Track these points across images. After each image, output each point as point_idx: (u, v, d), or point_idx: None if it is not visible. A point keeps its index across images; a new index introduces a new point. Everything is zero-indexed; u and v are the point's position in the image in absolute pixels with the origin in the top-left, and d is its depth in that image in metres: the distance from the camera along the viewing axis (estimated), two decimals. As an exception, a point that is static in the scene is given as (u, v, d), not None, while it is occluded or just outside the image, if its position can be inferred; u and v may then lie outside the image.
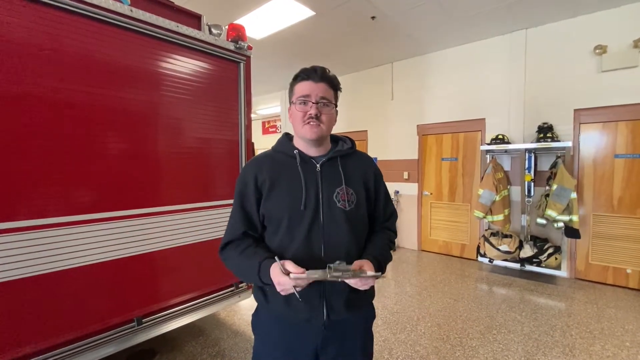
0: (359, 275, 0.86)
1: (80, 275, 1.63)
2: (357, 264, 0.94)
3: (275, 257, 0.90)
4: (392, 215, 1.17)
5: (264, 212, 1.00)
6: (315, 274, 0.83)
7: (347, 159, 1.07)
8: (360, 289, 0.92)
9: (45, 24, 1.49)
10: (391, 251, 1.12)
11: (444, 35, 4.23)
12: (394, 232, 1.17)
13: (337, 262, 0.87)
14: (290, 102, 1.04)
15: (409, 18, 3.73)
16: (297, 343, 1.00)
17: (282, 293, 0.89)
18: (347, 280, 0.89)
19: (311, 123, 0.97)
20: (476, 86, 4.44)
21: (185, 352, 2.37)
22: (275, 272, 0.88)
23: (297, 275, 0.82)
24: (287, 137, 1.12)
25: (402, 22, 3.83)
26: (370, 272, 0.89)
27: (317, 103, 0.97)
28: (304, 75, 1.00)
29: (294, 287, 0.86)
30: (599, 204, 3.67)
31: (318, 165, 1.02)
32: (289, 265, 0.88)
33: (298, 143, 1.06)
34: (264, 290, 1.02)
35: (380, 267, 1.02)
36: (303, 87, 0.99)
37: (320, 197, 0.99)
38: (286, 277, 0.85)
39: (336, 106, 1.04)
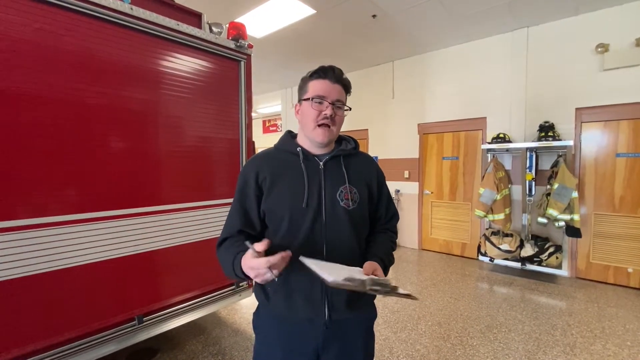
0: (396, 292, 0.76)
1: (81, 273, 1.63)
2: (368, 266, 0.91)
3: (247, 242, 0.82)
4: (394, 216, 1.16)
5: (265, 209, 0.99)
6: (352, 283, 0.73)
7: (350, 158, 1.06)
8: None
9: (45, 21, 1.49)
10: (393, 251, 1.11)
11: (445, 33, 4.21)
12: (395, 234, 1.16)
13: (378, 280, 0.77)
14: (302, 99, 1.01)
15: (409, 16, 3.71)
16: (298, 342, 0.99)
17: (258, 280, 0.80)
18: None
19: (324, 126, 0.96)
20: (477, 85, 4.43)
21: (186, 351, 2.37)
22: (246, 258, 0.81)
23: (336, 281, 0.69)
24: (290, 135, 1.11)
25: (403, 20, 3.82)
26: (402, 291, 0.79)
27: (333, 104, 0.96)
28: (321, 73, 0.98)
29: (271, 269, 0.77)
30: (600, 203, 3.66)
31: (321, 163, 1.01)
32: (259, 245, 0.80)
33: (302, 141, 1.05)
34: (265, 289, 1.01)
35: (386, 269, 1.00)
36: (319, 85, 0.97)
37: (323, 196, 0.98)
38: (258, 259, 0.77)
39: (347, 109, 1.03)
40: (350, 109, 1.04)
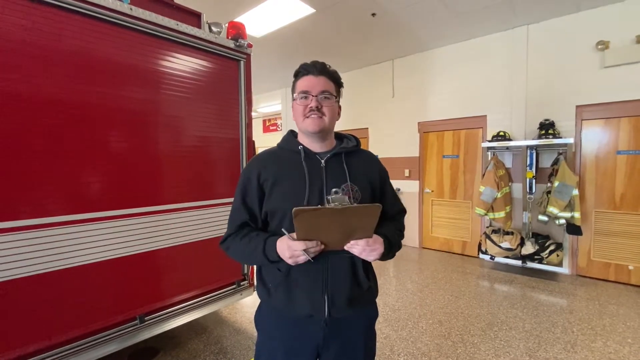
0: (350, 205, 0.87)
1: (83, 273, 1.64)
2: (371, 240, 0.93)
3: (283, 229, 0.92)
4: (401, 212, 1.17)
5: (267, 208, 1.00)
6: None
7: (352, 156, 1.07)
8: (368, 258, 0.94)
9: (44, 22, 1.49)
10: (401, 240, 1.09)
11: (445, 31, 4.20)
12: (402, 226, 1.16)
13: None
14: (292, 99, 1.05)
15: (409, 14, 3.70)
16: (299, 340, 1.00)
17: (291, 261, 0.90)
18: (353, 249, 0.91)
19: (312, 116, 0.98)
20: (477, 83, 4.42)
21: (187, 350, 2.38)
22: (283, 241, 0.90)
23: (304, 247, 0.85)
24: (292, 134, 1.12)
25: (403, 18, 3.81)
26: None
27: (317, 96, 0.98)
28: (303, 70, 1.02)
29: (305, 251, 0.87)
30: (601, 200, 3.65)
31: (323, 161, 1.02)
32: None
33: (303, 139, 1.06)
34: (266, 285, 1.02)
35: (391, 246, 1.00)
36: (303, 82, 1.01)
37: (324, 193, 0.98)
38: (296, 241, 0.86)
39: (338, 100, 1.05)
40: (337, 98, 1.04)
